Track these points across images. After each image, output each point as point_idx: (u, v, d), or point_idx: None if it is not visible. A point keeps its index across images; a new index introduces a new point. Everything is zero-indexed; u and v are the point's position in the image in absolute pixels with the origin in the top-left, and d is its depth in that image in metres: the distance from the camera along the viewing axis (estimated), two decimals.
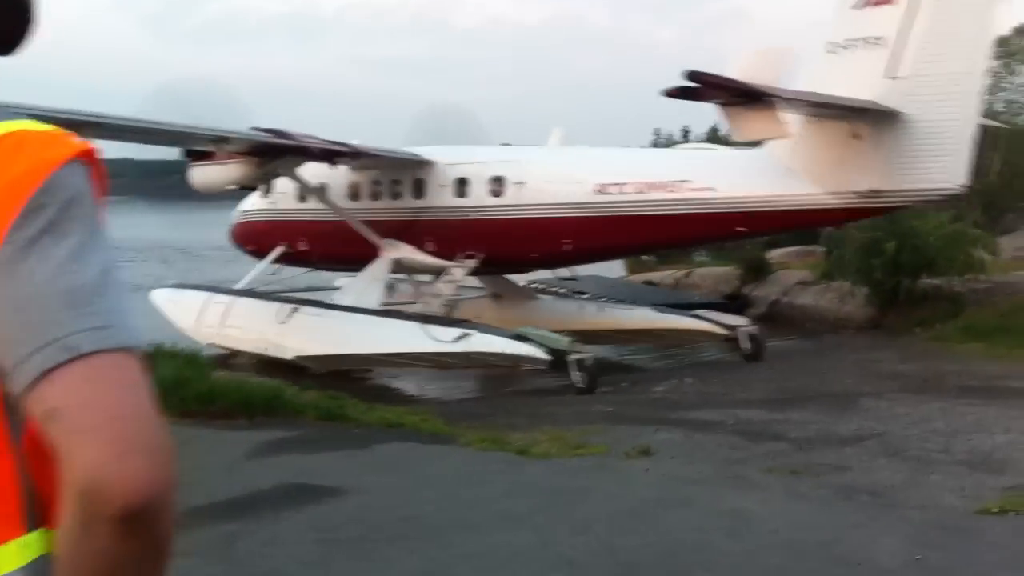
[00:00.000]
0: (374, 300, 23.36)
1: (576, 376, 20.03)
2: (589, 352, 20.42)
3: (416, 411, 17.30)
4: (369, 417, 15.73)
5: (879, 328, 27.75)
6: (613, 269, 45.95)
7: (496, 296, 27.65)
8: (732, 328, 24.11)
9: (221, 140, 21.75)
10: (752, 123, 17.65)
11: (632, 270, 45.39)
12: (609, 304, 26.95)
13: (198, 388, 13.58)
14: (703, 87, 17.34)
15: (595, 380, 20.11)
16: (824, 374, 21.12)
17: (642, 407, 18.01)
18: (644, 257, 47.34)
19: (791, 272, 35.32)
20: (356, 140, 24.64)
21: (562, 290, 28.02)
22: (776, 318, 33.15)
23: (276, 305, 23.68)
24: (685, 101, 18.22)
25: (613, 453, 12.75)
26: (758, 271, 35.78)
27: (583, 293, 27.58)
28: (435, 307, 23.73)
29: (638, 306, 26.58)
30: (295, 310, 23.12)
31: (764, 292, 34.57)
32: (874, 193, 19.60)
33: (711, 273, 39.11)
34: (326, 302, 24.38)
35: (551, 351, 19.80)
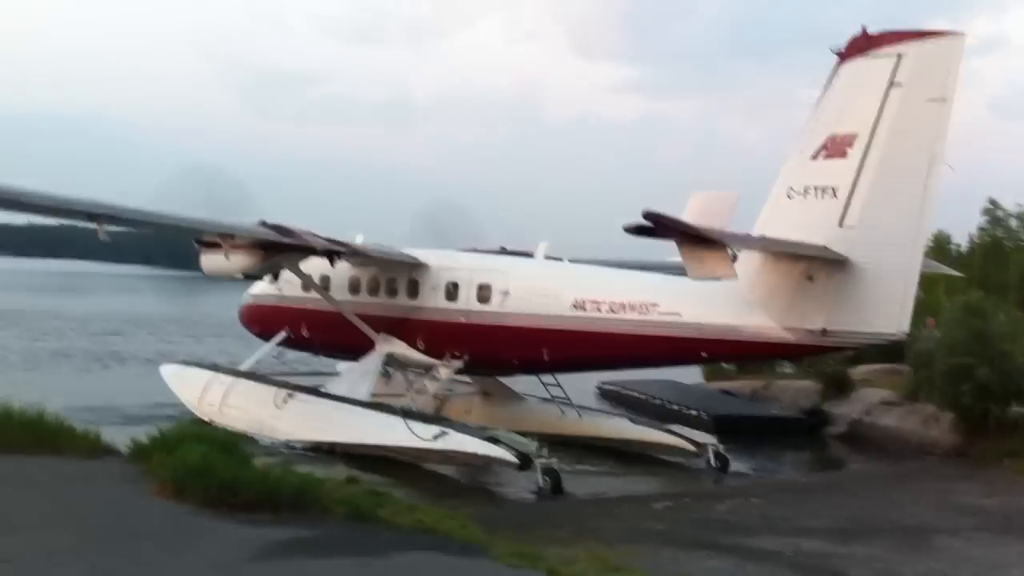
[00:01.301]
0: (364, 392, 24.75)
1: (541, 480, 20.85)
2: (553, 459, 21.16)
3: (456, 515, 16.49)
4: (405, 519, 14.94)
5: (965, 456, 26.13)
6: (690, 375, 44.78)
7: (485, 394, 28.96)
8: (701, 445, 25.49)
9: (227, 234, 23.35)
10: (702, 262, 18.69)
11: (709, 377, 44.11)
12: (587, 412, 28.49)
13: (223, 477, 12.99)
14: (658, 227, 18.11)
15: (559, 484, 20.98)
16: (900, 504, 19.77)
17: (697, 527, 16.90)
18: (724, 366, 46.19)
19: (874, 390, 33.67)
20: (360, 237, 26.97)
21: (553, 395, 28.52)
22: (857, 438, 31.58)
23: (274, 389, 25.25)
24: (644, 237, 18.61)
25: None
26: (840, 387, 34.23)
27: (566, 399, 28.31)
28: (420, 402, 25.13)
29: (615, 416, 28.65)
30: (290, 396, 24.84)
31: (845, 410, 32.97)
32: (824, 333, 20.72)
33: (791, 386, 37.57)
34: (320, 390, 25.67)
35: (519, 455, 20.60)
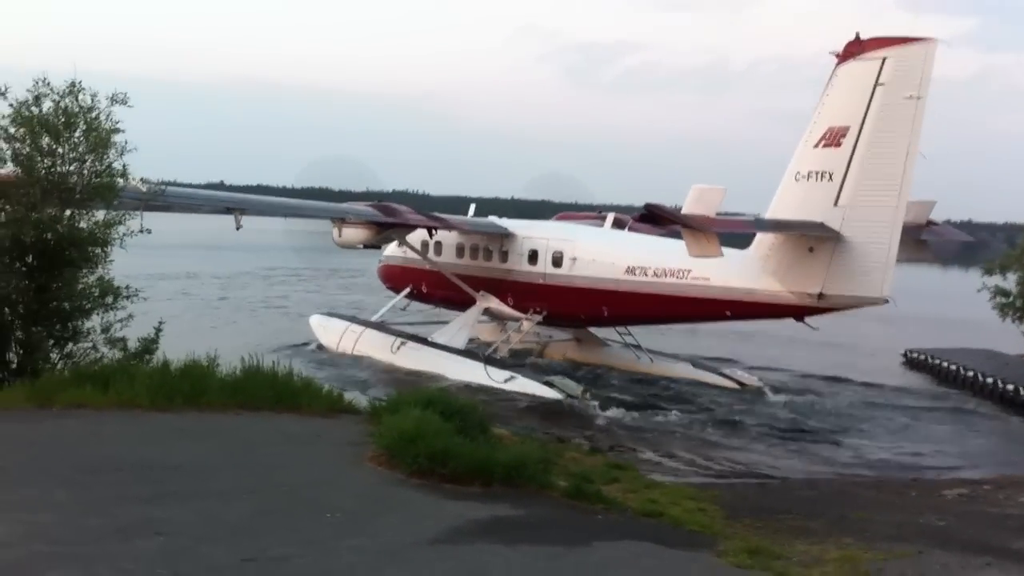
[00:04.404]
0: (461, 341, 31.24)
1: (591, 405, 26.57)
2: (595, 400, 26.77)
3: (699, 495, 14.99)
4: (635, 499, 13.71)
5: None
6: (1015, 344, 40.01)
7: (578, 340, 34.98)
8: (745, 385, 30.70)
9: (340, 217, 29.47)
10: (696, 243, 23.20)
11: None
12: (658, 356, 33.42)
13: (432, 445, 12.25)
14: (656, 217, 23.80)
15: (604, 406, 26.47)
16: None
17: (983, 525, 14.35)
18: None
19: None
20: (472, 208, 35.70)
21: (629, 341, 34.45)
22: None
23: (392, 338, 31.82)
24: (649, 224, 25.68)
25: None
26: None
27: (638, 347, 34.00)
28: (505, 350, 31.25)
29: (680, 360, 32.96)
30: (403, 343, 31.38)
31: None
32: (821, 296, 24.94)
33: None
34: (427, 339, 31.63)
35: (568, 396, 26.73)
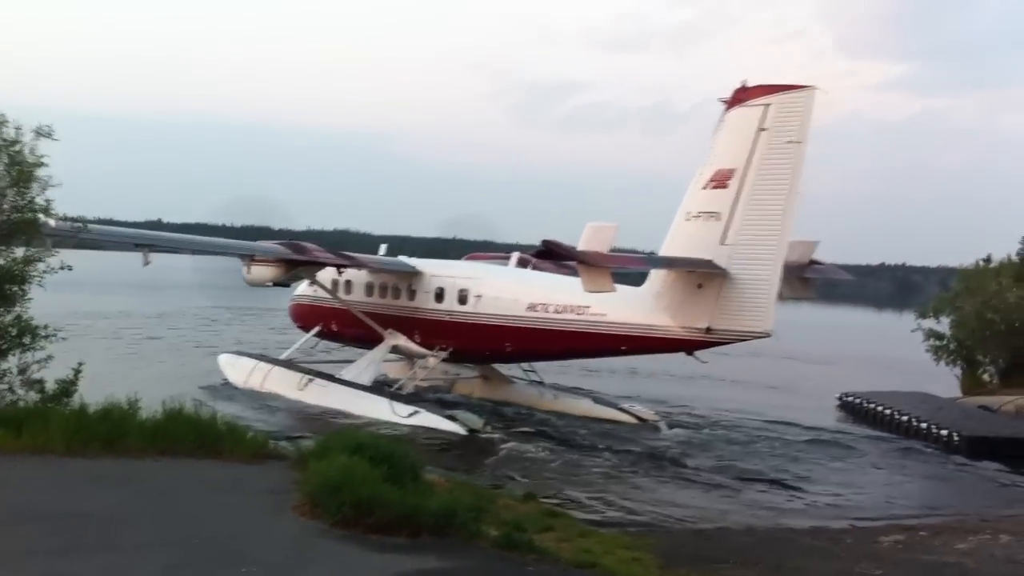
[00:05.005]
0: (368, 378, 31.64)
1: (493, 438, 27.21)
2: (497, 433, 27.86)
3: (634, 544, 14.69)
4: (568, 548, 13.35)
5: None
6: (948, 387, 40.54)
7: (485, 378, 35.60)
8: (644, 420, 31.30)
9: (249, 254, 29.91)
10: (590, 279, 24.04)
11: (968, 390, 39.67)
12: (560, 393, 34.44)
13: (358, 494, 11.82)
14: (553, 253, 25.16)
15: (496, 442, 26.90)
16: None
17: (919, 575, 14.21)
18: (985, 377, 41.57)
19: None
20: (383, 248, 36.13)
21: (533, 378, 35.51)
22: None
23: (299, 375, 32.15)
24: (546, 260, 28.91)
25: None
26: None
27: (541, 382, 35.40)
28: (411, 386, 31.69)
29: (582, 397, 33.95)
30: (310, 380, 31.73)
31: None
32: (709, 331, 25.86)
33: None
34: (334, 376, 31.90)
35: (470, 429, 27.46)
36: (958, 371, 42.54)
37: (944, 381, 41.44)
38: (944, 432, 30.46)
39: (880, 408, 35.48)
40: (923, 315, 43.63)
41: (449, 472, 18.83)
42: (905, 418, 33.27)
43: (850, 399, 38.33)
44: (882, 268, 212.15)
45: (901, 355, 48.86)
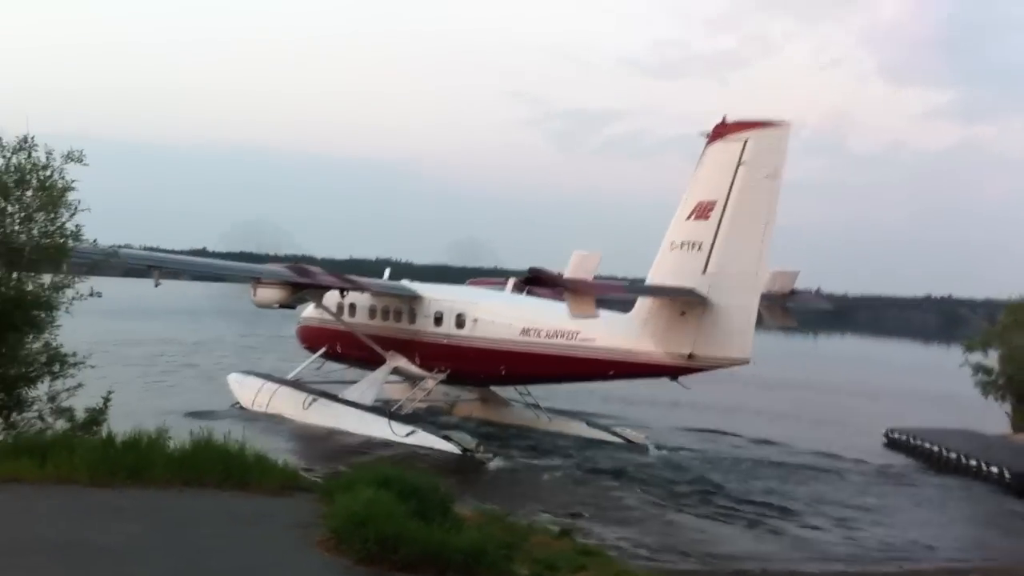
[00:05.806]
0: (369, 398, 32.54)
1: (481, 456, 28.33)
2: (489, 453, 28.71)
3: None
4: None
5: None
6: (995, 423, 39.47)
7: (483, 399, 36.92)
8: (633, 442, 32.54)
9: (255, 277, 30.88)
10: (576, 304, 24.83)
11: (1018, 427, 38.55)
12: (555, 415, 35.50)
13: (383, 529, 11.42)
14: (539, 280, 25.60)
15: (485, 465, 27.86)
16: None
17: None
18: None
19: None
20: (388, 272, 38.31)
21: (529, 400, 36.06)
22: None
23: (304, 395, 33.14)
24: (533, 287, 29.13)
25: None
26: None
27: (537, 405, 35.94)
28: (410, 407, 32.79)
29: (575, 419, 35.22)
30: (314, 400, 32.76)
31: None
32: (691, 357, 26.60)
33: None
34: (337, 396, 33.03)
35: (463, 449, 28.44)
36: (1008, 407, 41.36)
37: (993, 417, 40.31)
38: (994, 469, 29.59)
39: (928, 445, 34.61)
40: (970, 349, 42.56)
41: (483, 505, 18.34)
42: (953, 455, 32.39)
43: (896, 435, 37.42)
44: (928, 301, 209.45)
45: (949, 389, 47.79)
